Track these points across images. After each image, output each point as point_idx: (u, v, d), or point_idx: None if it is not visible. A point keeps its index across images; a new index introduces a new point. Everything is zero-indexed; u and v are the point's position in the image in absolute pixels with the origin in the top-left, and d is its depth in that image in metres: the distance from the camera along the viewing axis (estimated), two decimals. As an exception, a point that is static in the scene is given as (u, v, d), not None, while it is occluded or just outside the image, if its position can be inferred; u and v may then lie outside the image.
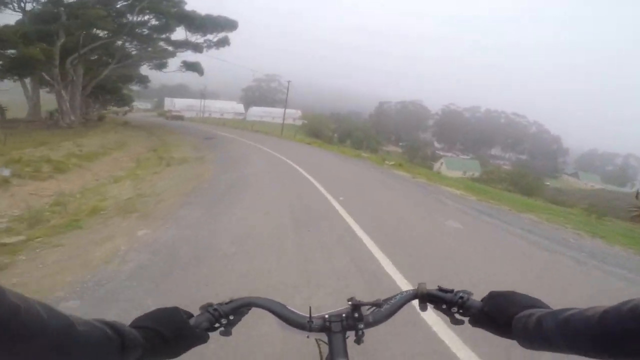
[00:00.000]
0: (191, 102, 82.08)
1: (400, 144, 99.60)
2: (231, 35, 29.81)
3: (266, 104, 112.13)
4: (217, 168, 10.69)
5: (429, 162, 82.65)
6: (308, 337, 0.70)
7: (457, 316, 0.68)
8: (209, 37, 29.07)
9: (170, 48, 29.72)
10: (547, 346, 0.53)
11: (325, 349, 0.72)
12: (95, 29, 22.48)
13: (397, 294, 0.73)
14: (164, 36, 28.44)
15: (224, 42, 29.66)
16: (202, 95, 69.05)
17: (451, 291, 0.69)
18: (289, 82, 38.33)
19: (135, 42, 28.84)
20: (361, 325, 0.66)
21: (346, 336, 0.68)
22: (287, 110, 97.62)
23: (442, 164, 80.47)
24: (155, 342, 0.56)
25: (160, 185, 7.97)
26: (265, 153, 15.49)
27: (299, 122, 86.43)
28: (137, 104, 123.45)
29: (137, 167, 11.14)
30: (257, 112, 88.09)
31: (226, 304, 0.68)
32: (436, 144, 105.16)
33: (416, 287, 0.71)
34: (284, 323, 0.70)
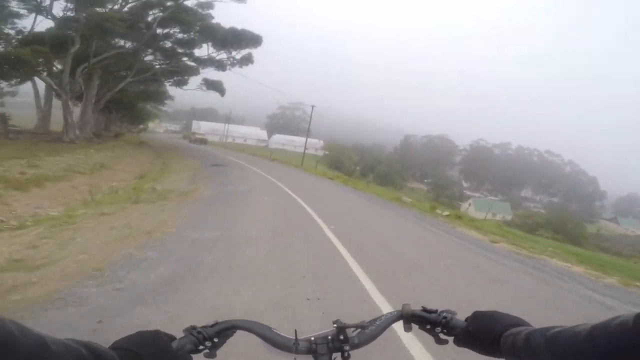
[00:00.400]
0: (216, 126, 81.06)
1: (425, 180, 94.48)
2: (257, 57, 27.49)
3: (289, 132, 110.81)
4: (197, 213, 6.88)
5: (456, 202, 77.08)
6: (295, 359, 0.66)
7: (442, 336, 0.67)
8: (233, 53, 26.71)
9: (193, 64, 27.47)
10: None
11: None
12: (107, 36, 20.16)
13: (382, 315, 0.72)
14: (187, 51, 26.21)
15: (247, 60, 27.17)
16: (227, 119, 67.48)
17: (435, 311, 0.69)
18: (312, 107, 35.17)
19: (157, 56, 26.76)
20: (347, 347, 0.65)
21: (333, 358, 0.67)
22: (309, 140, 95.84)
23: (470, 204, 74.93)
24: None
25: (68, 248, 4.16)
26: (278, 190, 11.76)
27: (320, 152, 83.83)
28: (167, 125, 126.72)
29: (91, 202, 7.50)
30: (279, 140, 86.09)
31: (210, 326, 0.65)
32: (463, 183, 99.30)
33: (401, 308, 0.70)
34: (270, 345, 0.67)
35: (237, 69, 27.64)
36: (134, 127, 72.32)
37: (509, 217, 68.53)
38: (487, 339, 0.60)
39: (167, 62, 26.99)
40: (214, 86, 29.19)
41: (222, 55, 27.11)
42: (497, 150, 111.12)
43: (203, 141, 45.84)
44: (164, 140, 41.30)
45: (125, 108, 30.00)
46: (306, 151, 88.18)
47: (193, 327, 0.65)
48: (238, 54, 26.75)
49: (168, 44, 25.52)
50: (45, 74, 19.24)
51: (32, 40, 19.05)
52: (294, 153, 68.35)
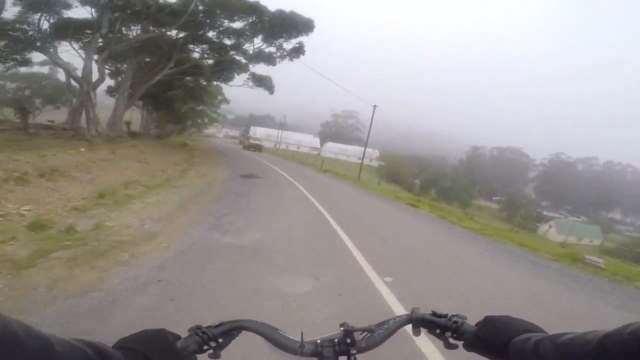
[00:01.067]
0: (271, 132, 78.59)
1: (494, 198, 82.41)
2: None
3: (343, 141, 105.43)
4: None
5: (532, 224, 65.36)
6: None
7: (451, 340, 0.65)
8: (281, 43, 21.98)
9: (240, 59, 23.29)
10: None
11: None
12: (135, 18, 16.49)
13: (390, 319, 0.70)
14: (234, 41, 22.06)
15: (298, 51, 22.19)
16: (281, 125, 63.96)
17: (445, 316, 0.67)
18: (374, 107, 29.00)
19: (202, 48, 23.00)
20: (353, 351, 0.63)
21: None
22: (367, 149, 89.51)
23: (550, 227, 62.83)
24: None
25: None
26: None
27: (374, 163, 77.34)
28: (227, 130, 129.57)
29: None
30: (332, 148, 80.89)
31: (216, 326, 0.64)
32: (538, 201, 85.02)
33: (410, 312, 0.68)
34: (275, 347, 0.66)
35: (287, 62, 22.90)
36: (187, 130, 72.03)
37: (597, 242, 55.53)
38: (497, 345, 0.57)
39: (213, 54, 23.13)
40: (262, 82, 24.68)
41: (271, 48, 22.61)
42: (581, 165, 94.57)
43: (257, 147, 38.56)
44: (214, 145, 38.39)
45: (164, 106, 26.11)
46: (360, 161, 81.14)
47: (198, 327, 0.63)
48: (287, 43, 21.97)
49: (214, 35, 21.56)
50: (59, 56, 15.91)
51: (60, 24, 16.12)
52: (347, 163, 62.72)
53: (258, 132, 76.87)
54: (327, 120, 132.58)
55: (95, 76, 16.64)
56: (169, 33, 19.96)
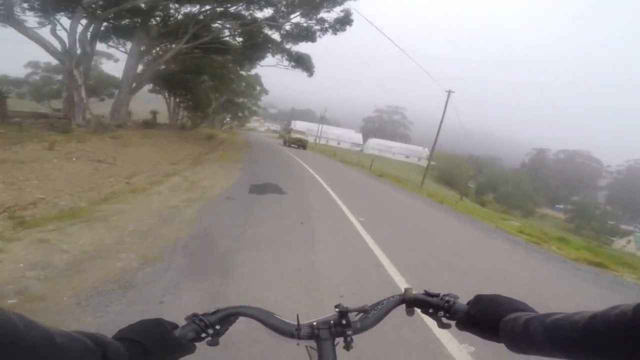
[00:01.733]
0: (311, 126, 73.84)
1: (558, 206, 71.19)
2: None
3: (385, 137, 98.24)
4: None
5: (605, 237, 54.77)
6: (298, 344, 0.66)
7: (444, 320, 0.65)
8: (323, 15, 16.87)
9: (276, 35, 18.50)
10: (534, 350, 0.50)
11: (315, 356, 0.66)
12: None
13: (384, 300, 0.69)
14: (266, 15, 17.30)
15: (344, 22, 16.92)
16: (321, 119, 58.89)
17: (437, 295, 0.66)
18: (449, 92, 22.81)
19: (226, 21, 18.53)
20: (349, 332, 0.64)
21: (335, 343, 0.65)
22: (411, 147, 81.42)
23: (629, 241, 52.11)
24: (139, 355, 0.52)
25: None
26: None
27: (424, 162, 69.99)
28: (269, 124, 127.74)
29: None
30: (375, 145, 74.26)
31: (212, 313, 0.64)
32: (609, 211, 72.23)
33: (403, 292, 0.68)
34: (272, 331, 0.66)
35: (329, 40, 17.72)
36: (223, 121, 69.19)
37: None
38: (488, 324, 0.57)
39: (241, 33, 18.56)
40: (300, 61, 19.68)
41: (311, 22, 17.56)
42: (668, 174, 79.04)
43: (301, 143, 30.56)
44: (250, 139, 34.27)
45: (182, 89, 21.55)
46: (409, 160, 74.07)
47: (195, 315, 0.62)
48: (331, 12, 16.76)
49: (242, 8, 16.93)
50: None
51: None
52: (393, 162, 56.55)
53: (298, 127, 72.80)
54: (370, 116, 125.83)
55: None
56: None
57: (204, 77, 20.96)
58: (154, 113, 22.33)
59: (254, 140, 32.85)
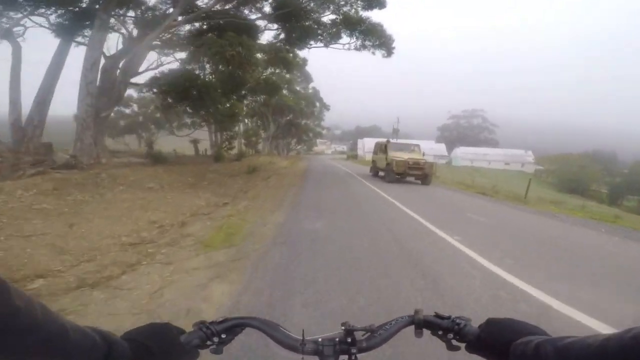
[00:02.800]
0: (382, 142, 65.10)
1: None
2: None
3: (468, 144, 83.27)
4: None
5: None
6: (303, 359, 0.63)
7: (454, 342, 0.62)
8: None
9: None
10: None
11: None
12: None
13: (393, 320, 0.66)
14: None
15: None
16: (394, 131, 49.49)
17: (448, 317, 0.64)
18: None
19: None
20: (354, 350, 0.61)
21: None
22: (510, 152, 65.85)
23: None
24: (143, 356, 0.53)
25: None
26: None
27: (529, 168, 54.82)
28: (335, 146, 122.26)
29: None
30: (464, 154, 61.27)
31: (219, 322, 0.63)
32: None
33: (413, 314, 0.66)
34: (277, 344, 0.65)
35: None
36: (292, 148, 63.34)
37: None
38: (499, 347, 0.55)
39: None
40: (371, 33, 11.43)
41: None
42: None
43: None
44: (313, 165, 27.53)
45: (185, 99, 13.22)
46: (510, 167, 59.19)
47: (202, 322, 0.62)
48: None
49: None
50: None
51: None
52: (493, 172, 43.95)
53: (367, 145, 64.12)
54: (445, 123, 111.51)
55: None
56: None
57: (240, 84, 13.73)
58: (195, 142, 16.34)
59: (317, 166, 25.78)
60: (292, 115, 39.46)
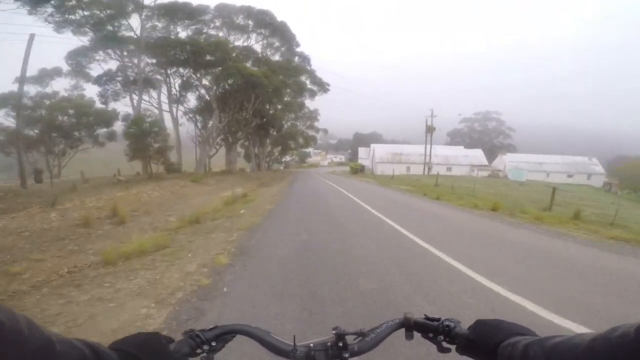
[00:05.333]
0: (395, 149, 46.34)
1: None
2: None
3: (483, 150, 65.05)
4: None
5: None
6: None
7: (444, 344, 0.61)
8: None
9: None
10: None
11: None
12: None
13: (383, 324, 0.65)
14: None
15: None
16: (427, 130, 31.35)
17: (438, 319, 0.63)
18: None
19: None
20: (346, 354, 0.59)
21: None
22: (571, 159, 47.77)
23: None
24: None
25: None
26: None
27: (595, 181, 37.54)
28: (332, 156, 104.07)
29: None
30: (518, 163, 42.55)
31: (209, 330, 0.60)
32: None
33: (402, 317, 0.65)
34: (269, 351, 0.63)
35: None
36: (277, 160, 44.98)
37: None
38: (488, 348, 0.54)
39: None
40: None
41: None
42: None
43: None
44: (302, 184, 14.83)
45: None
46: (572, 179, 39.25)
47: (191, 331, 0.59)
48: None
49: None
50: None
51: None
52: (576, 190, 26.10)
53: (377, 152, 45.60)
54: (456, 128, 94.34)
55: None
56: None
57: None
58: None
59: (306, 185, 13.77)
60: (260, 101, 20.90)
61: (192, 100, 26.77)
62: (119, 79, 22.61)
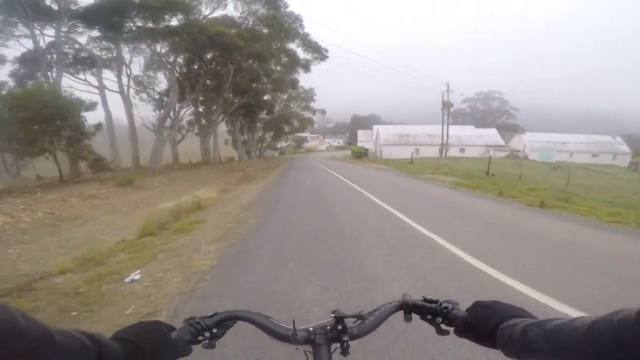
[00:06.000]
0: (402, 130, 41.61)
1: None
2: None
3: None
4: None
5: None
6: (296, 349, 0.62)
7: (443, 326, 0.60)
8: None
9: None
10: (532, 357, 0.46)
11: None
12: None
13: (382, 306, 0.65)
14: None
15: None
16: (444, 107, 26.58)
17: (436, 301, 0.62)
18: None
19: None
20: (346, 337, 0.59)
21: (332, 349, 0.61)
22: (596, 138, 42.10)
23: None
24: (135, 355, 0.50)
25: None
26: None
27: (622, 160, 33.30)
28: (330, 141, 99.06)
29: None
30: (532, 143, 38.34)
31: (210, 317, 0.61)
32: None
33: (401, 299, 0.64)
34: (269, 335, 0.63)
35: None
36: (271, 146, 40.67)
37: None
38: (486, 330, 0.53)
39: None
40: None
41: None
42: None
43: None
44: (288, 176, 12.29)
45: None
46: (598, 159, 34.58)
47: (192, 318, 0.59)
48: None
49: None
50: None
51: None
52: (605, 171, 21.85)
53: (382, 134, 41.07)
54: (458, 108, 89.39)
55: None
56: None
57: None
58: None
59: (296, 176, 11.70)
60: (242, 76, 16.30)
61: (163, 81, 22.00)
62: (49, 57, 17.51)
